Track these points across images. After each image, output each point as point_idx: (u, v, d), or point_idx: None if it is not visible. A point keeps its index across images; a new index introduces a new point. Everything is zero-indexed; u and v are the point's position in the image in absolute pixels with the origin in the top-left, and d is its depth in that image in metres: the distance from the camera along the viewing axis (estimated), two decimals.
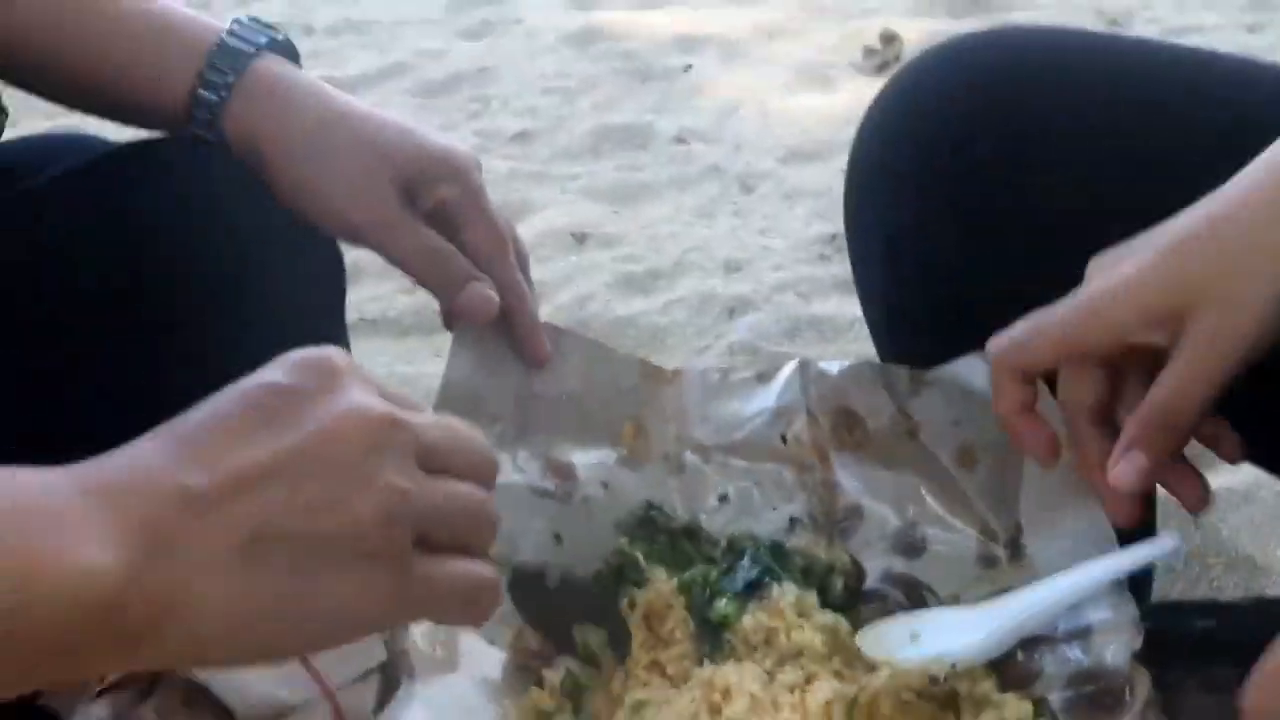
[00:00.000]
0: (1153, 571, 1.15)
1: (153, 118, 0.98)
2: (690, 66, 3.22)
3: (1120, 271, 0.80)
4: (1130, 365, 0.82)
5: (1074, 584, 0.84)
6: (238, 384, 0.59)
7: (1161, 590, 1.55)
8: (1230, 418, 0.96)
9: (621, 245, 2.41)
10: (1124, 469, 0.80)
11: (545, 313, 2.16)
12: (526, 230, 2.46)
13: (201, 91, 0.94)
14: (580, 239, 2.43)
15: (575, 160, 2.77)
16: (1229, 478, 1.64)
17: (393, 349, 2.06)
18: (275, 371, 0.60)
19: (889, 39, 3.16)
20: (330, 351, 0.61)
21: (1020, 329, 0.83)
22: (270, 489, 0.56)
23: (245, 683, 0.75)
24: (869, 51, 3.16)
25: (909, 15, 3.38)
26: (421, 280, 0.94)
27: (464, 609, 0.63)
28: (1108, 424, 0.83)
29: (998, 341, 0.84)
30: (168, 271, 0.96)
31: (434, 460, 0.61)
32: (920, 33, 3.10)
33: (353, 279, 2.21)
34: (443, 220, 0.93)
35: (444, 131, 2.90)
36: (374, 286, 2.14)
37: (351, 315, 2.17)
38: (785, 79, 3.10)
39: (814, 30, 3.39)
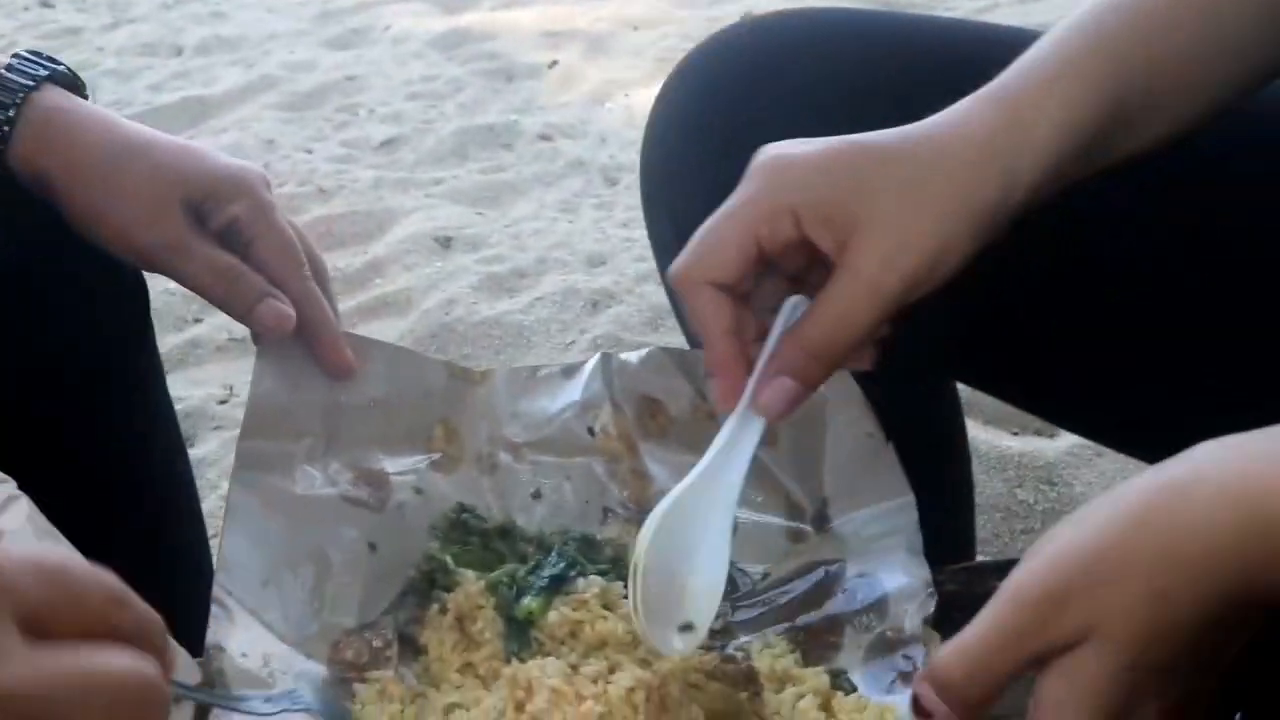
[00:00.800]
0: (972, 526, 1.17)
1: None
2: (555, 63, 3.23)
3: (798, 152, 0.76)
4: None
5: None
6: None
7: (1014, 548, 1.58)
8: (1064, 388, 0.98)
9: (486, 247, 2.41)
10: (767, 397, 0.77)
11: (409, 320, 2.19)
12: (392, 238, 2.46)
13: None
14: (445, 243, 2.43)
15: (440, 164, 2.77)
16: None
17: None
18: None
19: None
20: None
21: (697, 239, 0.77)
22: None
23: None
24: None
25: (770, 4, 3.40)
26: (214, 300, 0.94)
27: None
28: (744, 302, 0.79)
29: (677, 261, 0.78)
30: None
31: (53, 625, 0.52)
32: None
33: None
34: (234, 240, 0.94)
35: (311, 143, 2.89)
36: None
37: (221, 336, 2.19)
38: (649, 69, 3.11)
39: (678, 19, 3.41)
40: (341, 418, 0.95)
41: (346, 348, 0.95)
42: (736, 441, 0.79)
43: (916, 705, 0.64)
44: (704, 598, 0.80)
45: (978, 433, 1.76)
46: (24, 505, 0.82)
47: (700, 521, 0.79)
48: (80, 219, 0.94)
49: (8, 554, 0.52)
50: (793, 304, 0.78)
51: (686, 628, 0.79)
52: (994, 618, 0.62)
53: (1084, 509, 0.63)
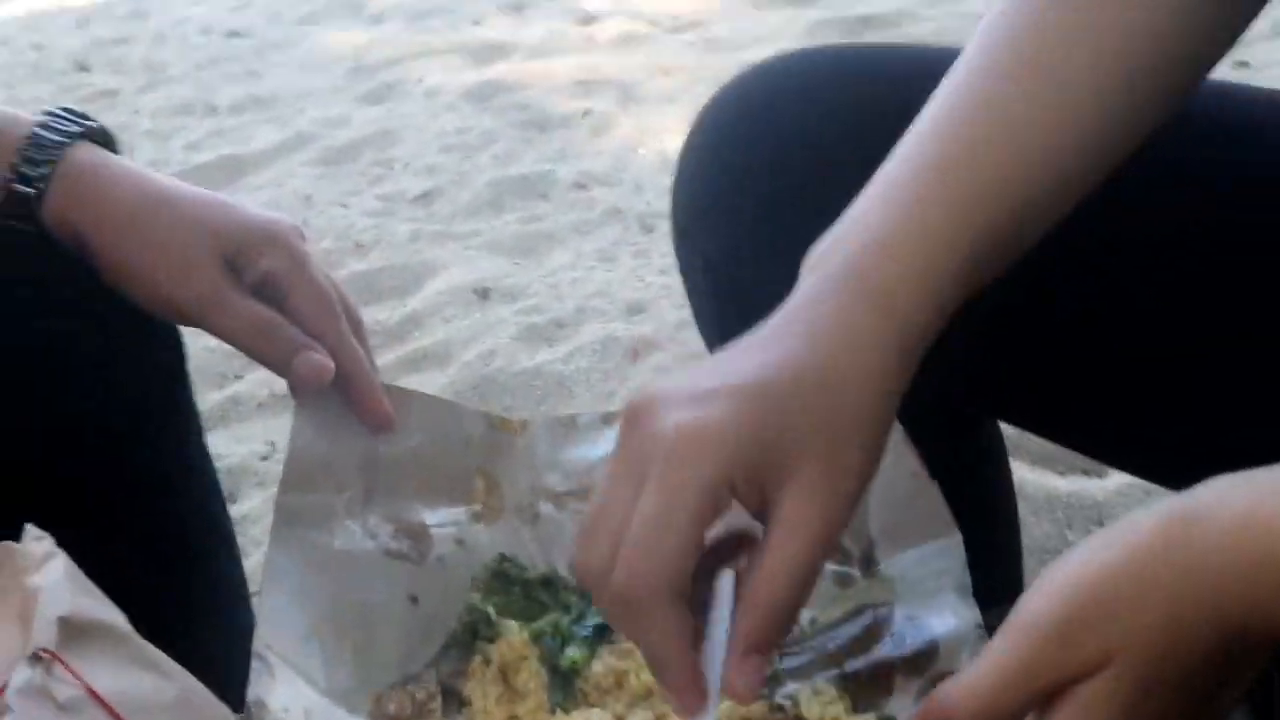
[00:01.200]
0: (1020, 567, 1.16)
1: None
2: (589, 112, 3.23)
3: (706, 421, 0.68)
4: None
5: None
6: None
7: None
8: (1106, 424, 0.96)
9: (524, 297, 2.41)
10: (747, 679, 0.67)
11: (450, 372, 2.19)
12: (429, 291, 2.46)
13: (16, 185, 0.93)
14: (483, 294, 2.43)
15: (477, 216, 2.77)
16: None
17: None
18: None
19: None
20: None
21: (639, 546, 0.67)
22: None
23: None
24: None
25: (800, 42, 3.40)
26: (253, 354, 0.93)
27: None
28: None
29: (625, 574, 0.67)
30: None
31: None
32: None
33: None
34: (269, 292, 0.93)
35: (348, 198, 2.90)
36: None
37: (262, 392, 2.20)
38: (682, 115, 3.11)
39: (709, 65, 3.41)
40: (380, 470, 0.94)
41: (385, 399, 0.94)
42: None
43: None
44: None
45: (1025, 474, 1.75)
46: (61, 561, 0.81)
47: None
48: (113, 275, 0.93)
49: None
50: (729, 582, 0.70)
51: None
52: (1006, 650, 0.61)
53: (1092, 539, 0.62)
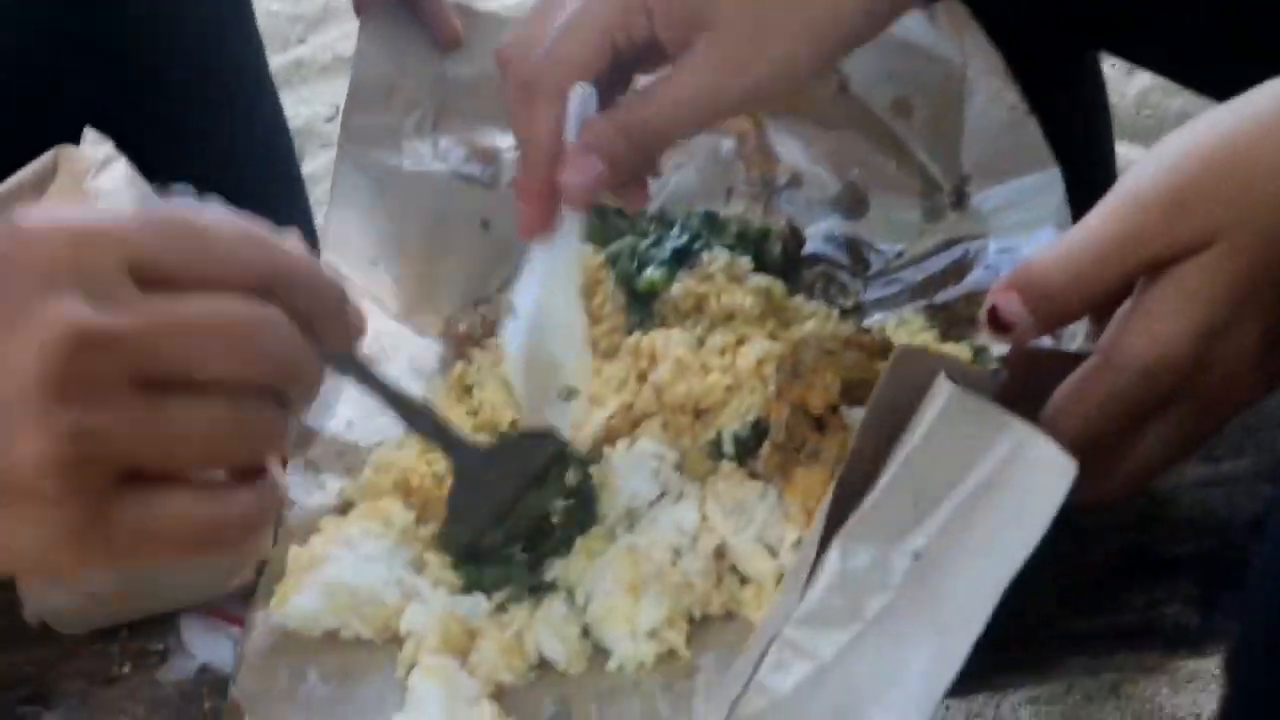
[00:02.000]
0: None
1: None
2: None
3: None
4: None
5: None
6: None
7: None
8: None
9: None
10: (578, 175, 0.69)
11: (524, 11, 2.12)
12: None
13: None
14: None
15: None
16: None
17: None
18: None
19: None
20: None
21: (553, 36, 0.70)
22: None
23: None
24: None
25: None
26: None
27: (193, 551, 0.49)
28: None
29: (532, 58, 0.70)
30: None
31: (181, 276, 0.48)
32: None
33: (325, 20, 2.16)
34: None
35: None
36: (347, 25, 2.08)
37: (326, 55, 2.15)
38: None
39: None
40: (449, 91, 0.91)
41: (454, 16, 0.91)
42: (558, 244, 0.72)
43: (994, 319, 0.58)
44: (575, 361, 0.74)
45: (1124, 150, 1.69)
46: (122, 166, 0.78)
47: (550, 320, 0.73)
48: None
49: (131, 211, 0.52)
50: (580, 97, 0.70)
51: (570, 394, 0.73)
52: (1109, 218, 0.56)
53: (1208, 113, 0.57)
